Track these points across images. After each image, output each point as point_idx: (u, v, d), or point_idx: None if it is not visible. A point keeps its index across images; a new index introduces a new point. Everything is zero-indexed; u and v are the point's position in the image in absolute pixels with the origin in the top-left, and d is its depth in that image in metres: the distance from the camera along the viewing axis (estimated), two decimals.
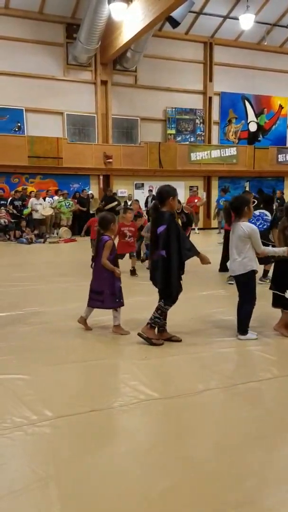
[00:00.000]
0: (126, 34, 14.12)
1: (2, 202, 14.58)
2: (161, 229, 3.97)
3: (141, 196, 17.18)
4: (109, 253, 4.36)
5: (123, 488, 2.11)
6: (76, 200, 15.70)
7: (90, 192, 16.50)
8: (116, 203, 16.18)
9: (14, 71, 15.62)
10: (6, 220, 14.02)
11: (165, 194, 4.07)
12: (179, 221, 8.71)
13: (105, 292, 4.36)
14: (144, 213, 15.55)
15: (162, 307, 4.09)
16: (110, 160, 16.38)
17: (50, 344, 4.21)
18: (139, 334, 4.10)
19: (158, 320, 4.10)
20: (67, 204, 15.02)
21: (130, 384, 3.23)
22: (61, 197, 15.09)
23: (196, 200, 15.95)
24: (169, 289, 4.00)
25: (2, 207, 14.27)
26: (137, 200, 11.31)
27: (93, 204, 15.31)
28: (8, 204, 14.51)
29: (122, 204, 16.62)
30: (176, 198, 4.19)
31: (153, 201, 4.19)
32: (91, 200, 15.84)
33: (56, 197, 15.24)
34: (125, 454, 2.39)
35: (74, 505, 1.99)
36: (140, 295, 5.78)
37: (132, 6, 13.28)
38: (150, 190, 17.03)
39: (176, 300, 4.09)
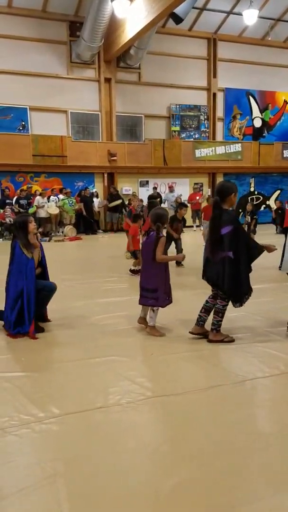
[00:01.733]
0: (129, 31, 14.07)
1: (7, 201, 14.62)
2: (227, 229, 3.86)
3: (145, 193, 17.17)
4: (163, 249, 4.29)
5: (131, 485, 2.10)
6: (80, 199, 15.72)
7: (94, 190, 16.50)
8: (120, 201, 16.20)
9: (18, 69, 15.63)
10: (11, 219, 14.06)
11: (227, 190, 3.96)
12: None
13: (159, 289, 4.25)
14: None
15: (221, 309, 4.01)
16: (115, 157, 16.37)
17: (56, 341, 4.22)
18: (209, 341, 4.03)
19: (221, 322, 4.05)
20: (70, 202, 15.06)
21: (137, 381, 3.22)
22: (64, 196, 15.12)
23: (197, 197, 15.94)
24: (239, 289, 3.90)
25: (8, 206, 14.31)
26: (134, 195, 11.02)
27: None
28: (13, 203, 14.55)
29: (126, 202, 16.64)
30: (237, 194, 4.10)
31: (214, 198, 4.02)
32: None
33: (61, 196, 15.27)
34: (133, 451, 2.39)
35: (83, 502, 1.99)
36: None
37: (135, 3, 13.23)
38: (155, 188, 17.01)
39: (244, 302, 3.98)
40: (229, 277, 3.87)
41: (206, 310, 4.16)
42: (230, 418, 2.74)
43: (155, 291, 4.27)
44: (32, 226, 4.47)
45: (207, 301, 4.17)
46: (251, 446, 2.43)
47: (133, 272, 7.41)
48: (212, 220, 4.00)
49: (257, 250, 3.90)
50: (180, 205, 8.98)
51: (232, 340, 4.06)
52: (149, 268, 4.33)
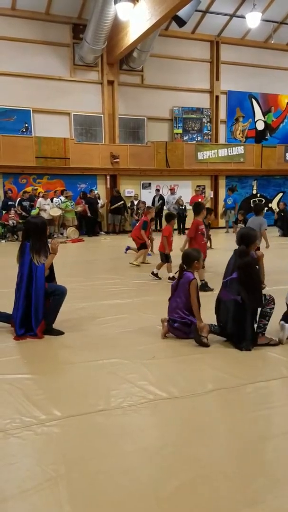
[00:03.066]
0: (132, 34, 14.12)
1: (10, 203, 14.66)
2: (237, 274, 3.95)
3: (148, 195, 17.19)
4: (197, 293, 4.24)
5: (132, 487, 2.11)
6: (83, 201, 15.75)
7: (96, 192, 16.53)
8: (122, 202, 16.23)
9: (21, 71, 15.69)
10: (14, 221, 14.11)
11: (252, 239, 4.12)
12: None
13: (193, 325, 4.19)
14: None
15: (268, 313, 4.03)
16: (117, 160, 16.40)
17: (58, 343, 4.23)
18: (258, 345, 4.02)
19: (267, 326, 4.06)
20: (71, 204, 15.11)
21: (139, 384, 3.23)
22: (65, 198, 15.15)
23: (199, 200, 15.95)
24: (243, 334, 3.94)
25: (12, 208, 14.36)
26: (149, 207, 10.91)
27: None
28: (16, 204, 14.59)
29: (129, 204, 16.67)
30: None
31: (240, 247, 4.10)
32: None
33: (62, 197, 15.31)
34: (134, 453, 2.39)
35: (84, 505, 2.00)
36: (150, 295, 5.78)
37: (138, 6, 13.28)
38: (157, 190, 17.04)
39: (248, 347, 3.96)
40: (233, 321, 3.96)
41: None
42: (232, 421, 2.75)
43: (189, 325, 4.23)
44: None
45: (214, 326, 4.19)
46: (253, 449, 2.43)
47: (171, 279, 6.66)
48: (230, 263, 4.13)
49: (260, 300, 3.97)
50: (208, 210, 8.59)
51: (277, 344, 4.05)
52: (178, 308, 4.30)
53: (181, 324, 4.24)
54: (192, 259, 4.38)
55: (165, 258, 7.30)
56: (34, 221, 4.50)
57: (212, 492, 2.08)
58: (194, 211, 6.85)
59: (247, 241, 4.09)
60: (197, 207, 6.75)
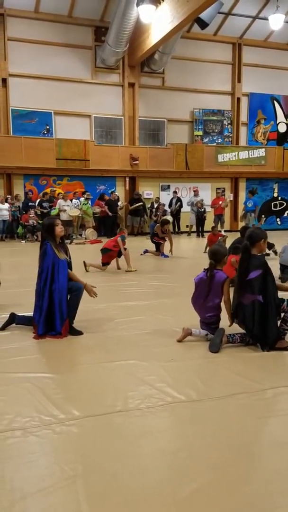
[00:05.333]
0: (154, 36, 14.15)
1: (30, 204, 14.84)
2: (256, 273, 3.95)
3: (166, 197, 17.18)
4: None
5: (150, 489, 2.11)
6: (103, 203, 15.83)
7: (116, 193, 16.60)
8: (141, 204, 16.26)
9: (44, 74, 15.88)
10: (34, 221, 14.27)
11: (257, 237, 4.09)
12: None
13: (219, 329, 4.18)
14: (169, 215, 15.58)
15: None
16: (137, 162, 16.44)
17: (77, 343, 4.26)
18: (275, 349, 3.98)
19: (287, 331, 4.07)
20: (90, 206, 15.21)
21: (157, 386, 3.22)
22: (85, 200, 15.25)
23: (220, 202, 15.86)
24: (265, 334, 3.94)
25: (32, 209, 14.52)
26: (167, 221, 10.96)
27: None
28: (36, 205, 14.76)
29: (148, 205, 16.68)
30: (266, 240, 4.20)
31: (244, 243, 4.13)
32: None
33: (82, 199, 15.42)
34: (152, 455, 2.39)
35: (101, 504, 2.00)
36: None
37: (161, 8, 13.30)
38: (175, 192, 17.01)
39: (274, 346, 3.97)
40: (258, 322, 3.93)
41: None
42: (250, 426, 2.72)
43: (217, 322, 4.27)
44: (59, 229, 4.52)
45: (233, 336, 4.14)
46: (271, 455, 2.40)
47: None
48: (240, 264, 4.11)
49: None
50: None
51: None
52: (209, 305, 4.30)
53: (216, 323, 4.26)
54: (222, 255, 4.37)
55: None
56: (43, 223, 4.74)
57: (230, 496, 2.06)
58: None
59: (252, 239, 4.10)
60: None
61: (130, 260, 8.26)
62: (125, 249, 8.20)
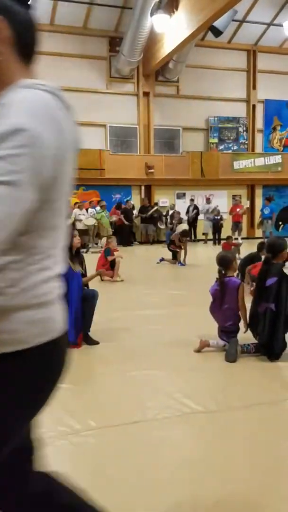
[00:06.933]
0: (168, 45, 14.22)
1: None
2: (272, 280, 3.90)
3: (182, 205, 17.14)
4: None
5: (169, 501, 2.06)
6: (118, 211, 15.87)
7: (131, 202, 16.63)
8: (156, 208, 16.24)
9: (59, 85, 16.01)
10: None
11: (279, 247, 4.04)
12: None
13: (233, 339, 4.15)
14: (185, 223, 15.55)
15: None
16: (152, 170, 16.47)
17: (94, 353, 4.23)
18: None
19: None
20: (106, 215, 15.24)
21: (175, 396, 3.17)
22: (100, 209, 15.31)
23: (238, 209, 15.77)
24: (272, 344, 3.88)
25: None
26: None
27: None
28: None
29: (164, 213, 16.66)
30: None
31: (266, 256, 4.07)
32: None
33: (98, 208, 15.48)
34: (170, 466, 2.34)
35: None
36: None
37: (175, 17, 13.38)
38: (192, 200, 16.97)
39: (279, 356, 3.91)
40: (267, 331, 3.87)
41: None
42: (270, 437, 2.64)
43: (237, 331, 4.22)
44: (76, 240, 4.52)
45: (247, 346, 4.07)
46: None
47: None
48: (259, 273, 4.09)
49: None
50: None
51: None
52: (227, 313, 4.26)
53: (235, 332, 4.20)
54: (229, 261, 4.32)
55: None
56: None
57: (249, 510, 2.00)
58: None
59: (273, 250, 4.04)
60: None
61: (118, 269, 8.17)
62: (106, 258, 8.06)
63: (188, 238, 10.48)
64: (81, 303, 4.36)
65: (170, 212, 16.44)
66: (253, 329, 4.10)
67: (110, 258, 8.13)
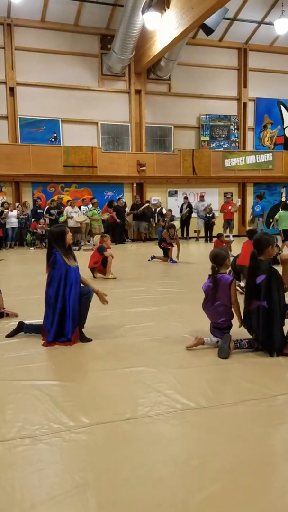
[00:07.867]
0: (159, 43, 14.23)
1: (39, 211, 14.93)
2: (261, 278, 3.93)
3: (174, 203, 17.20)
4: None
5: (161, 497, 2.09)
6: (110, 209, 15.87)
7: (123, 199, 16.65)
8: (147, 205, 16.26)
9: (51, 82, 16.02)
10: (43, 230, 14.34)
11: (265, 243, 4.06)
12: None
13: (226, 334, 4.17)
14: (178, 221, 15.60)
15: None
16: (144, 168, 16.49)
17: (86, 350, 4.25)
18: (285, 354, 3.95)
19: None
20: (98, 212, 15.25)
21: (166, 393, 3.21)
22: (92, 206, 15.31)
23: (230, 207, 15.85)
24: (271, 340, 3.92)
25: (42, 217, 14.62)
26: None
27: None
28: (44, 212, 14.85)
29: (157, 210, 16.70)
30: (275, 245, 4.15)
31: (252, 251, 4.08)
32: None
33: (90, 205, 15.48)
34: (162, 463, 2.37)
35: None
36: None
37: (166, 15, 13.38)
38: (185, 197, 17.03)
39: (280, 351, 3.94)
40: (263, 327, 3.91)
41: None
42: (261, 433, 2.69)
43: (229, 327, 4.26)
44: (69, 237, 4.54)
45: (240, 342, 4.10)
46: (282, 462, 2.37)
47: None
48: (248, 271, 4.09)
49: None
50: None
51: None
52: (219, 310, 4.28)
53: (228, 328, 4.25)
54: (223, 258, 4.34)
55: None
56: (52, 230, 4.67)
57: (242, 505, 2.03)
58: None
59: (260, 246, 4.07)
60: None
61: (110, 266, 8.19)
62: (102, 255, 8.07)
63: (173, 230, 10.46)
64: (78, 301, 4.38)
65: (158, 209, 16.48)
66: (247, 326, 4.15)
67: (106, 253, 8.11)
